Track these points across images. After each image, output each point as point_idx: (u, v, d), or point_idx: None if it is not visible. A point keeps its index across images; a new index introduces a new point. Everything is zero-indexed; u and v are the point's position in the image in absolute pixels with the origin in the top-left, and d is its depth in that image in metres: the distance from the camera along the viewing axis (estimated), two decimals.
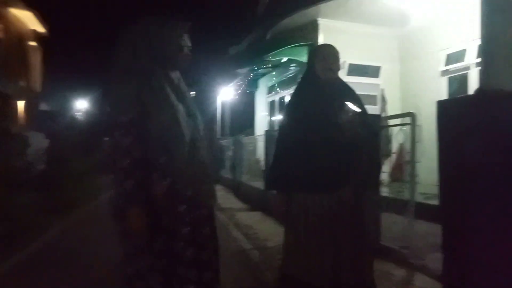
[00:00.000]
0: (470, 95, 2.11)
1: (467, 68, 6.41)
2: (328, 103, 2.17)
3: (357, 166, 2.13)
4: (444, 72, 6.89)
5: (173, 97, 1.68)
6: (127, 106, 1.59)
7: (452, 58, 6.78)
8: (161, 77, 1.69)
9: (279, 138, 2.35)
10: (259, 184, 7.47)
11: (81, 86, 22.47)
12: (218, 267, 1.82)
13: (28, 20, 13.55)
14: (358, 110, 2.19)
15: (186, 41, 1.80)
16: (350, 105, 2.18)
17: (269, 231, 5.12)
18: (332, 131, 2.10)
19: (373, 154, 2.24)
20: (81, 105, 21.32)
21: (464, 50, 6.47)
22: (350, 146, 2.10)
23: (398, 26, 7.76)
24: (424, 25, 7.22)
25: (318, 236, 2.09)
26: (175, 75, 1.79)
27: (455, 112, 2.21)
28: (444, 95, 6.75)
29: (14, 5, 12.16)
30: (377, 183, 2.56)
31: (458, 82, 6.76)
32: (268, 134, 7.01)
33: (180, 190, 1.64)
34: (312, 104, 2.19)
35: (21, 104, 13.64)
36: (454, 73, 6.75)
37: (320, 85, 2.24)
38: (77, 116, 18.02)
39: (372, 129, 2.29)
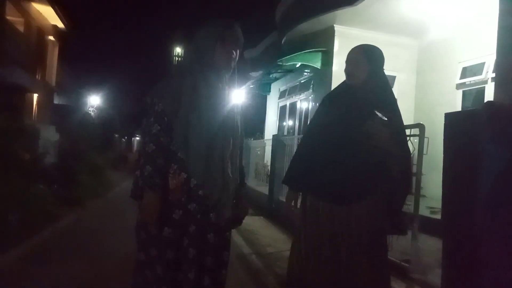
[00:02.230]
0: (478, 109, 2.04)
1: (484, 82, 6.27)
2: (341, 109, 2.07)
3: (375, 180, 1.98)
4: (459, 86, 6.75)
5: (205, 97, 1.69)
6: (162, 98, 1.67)
7: (469, 71, 6.65)
8: (198, 76, 1.72)
9: (303, 137, 2.35)
10: (264, 189, 7.43)
11: (95, 83, 22.75)
12: (221, 279, 1.73)
13: (48, 15, 13.81)
14: (381, 118, 1.98)
15: (229, 41, 1.77)
16: (368, 112, 1.99)
17: (271, 237, 5.08)
18: (343, 142, 1.99)
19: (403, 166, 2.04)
20: (94, 101, 21.57)
21: (482, 64, 6.33)
22: (367, 159, 1.96)
23: (416, 37, 7.67)
24: (443, 37, 7.10)
25: (328, 245, 2.00)
26: (216, 75, 1.77)
27: (463, 125, 2.14)
28: (458, 108, 6.61)
29: (38, 0, 12.44)
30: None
31: (473, 96, 6.62)
32: (276, 138, 6.95)
33: (193, 188, 1.64)
34: (329, 108, 2.15)
35: (35, 97, 13.88)
36: (469, 86, 6.61)
37: (341, 90, 2.16)
38: (90, 112, 18.27)
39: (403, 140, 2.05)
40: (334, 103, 2.17)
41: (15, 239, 4.04)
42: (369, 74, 2.07)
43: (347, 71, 2.14)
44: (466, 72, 6.69)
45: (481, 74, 6.35)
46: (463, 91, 6.72)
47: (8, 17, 11.32)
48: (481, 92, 6.33)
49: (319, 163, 2.04)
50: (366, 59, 2.09)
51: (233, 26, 1.79)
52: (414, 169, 3.34)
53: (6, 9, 10.86)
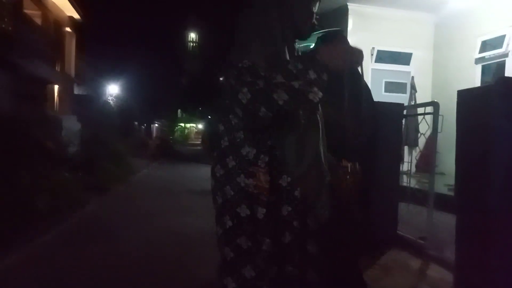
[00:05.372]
0: (492, 85, 2.04)
1: (505, 55, 6.09)
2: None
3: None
4: (478, 60, 6.58)
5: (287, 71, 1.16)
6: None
7: (488, 45, 6.46)
8: (280, 46, 1.29)
9: None
10: None
11: (112, 72, 23.01)
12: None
13: (64, 6, 14.00)
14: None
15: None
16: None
17: None
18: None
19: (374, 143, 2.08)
20: (113, 90, 21.88)
21: (503, 37, 6.14)
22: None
23: (433, 11, 7.46)
24: (461, 10, 6.89)
25: None
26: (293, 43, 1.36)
27: (476, 102, 2.14)
28: (477, 83, 6.47)
29: None
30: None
31: (493, 70, 6.45)
32: None
33: (286, 187, 1.26)
34: None
35: (56, 89, 14.21)
36: (489, 60, 6.44)
37: None
38: (109, 101, 18.60)
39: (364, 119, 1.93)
40: None
41: (45, 225, 4.25)
42: None
43: None
44: (485, 46, 6.50)
45: (501, 47, 6.16)
46: (483, 66, 6.56)
47: (25, 11, 11.54)
48: (502, 66, 6.16)
49: None
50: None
51: None
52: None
53: (23, 3, 11.07)
